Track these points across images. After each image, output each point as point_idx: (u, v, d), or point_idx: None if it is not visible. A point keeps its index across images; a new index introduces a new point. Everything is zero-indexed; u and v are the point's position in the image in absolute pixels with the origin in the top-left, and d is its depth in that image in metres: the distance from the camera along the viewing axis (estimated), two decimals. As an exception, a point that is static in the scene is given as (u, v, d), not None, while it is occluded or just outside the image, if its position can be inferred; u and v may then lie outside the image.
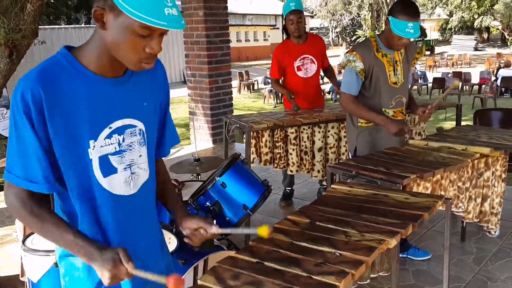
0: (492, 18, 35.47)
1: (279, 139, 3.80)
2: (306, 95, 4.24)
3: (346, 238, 1.66)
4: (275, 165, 3.88)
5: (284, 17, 4.16)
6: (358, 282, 2.51)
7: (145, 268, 1.24)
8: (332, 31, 41.93)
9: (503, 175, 3.14)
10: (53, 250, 2.20)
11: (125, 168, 1.30)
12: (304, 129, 3.86)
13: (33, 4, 5.38)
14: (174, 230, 2.41)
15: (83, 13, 25.13)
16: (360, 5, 36.52)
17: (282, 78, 4.32)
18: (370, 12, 36.62)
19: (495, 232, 3.25)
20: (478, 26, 36.23)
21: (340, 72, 15.78)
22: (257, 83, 18.71)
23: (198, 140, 6.89)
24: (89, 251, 1.21)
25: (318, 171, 3.99)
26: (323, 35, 47.18)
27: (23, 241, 2.40)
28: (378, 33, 3.07)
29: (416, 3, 2.93)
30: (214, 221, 1.44)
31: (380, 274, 2.42)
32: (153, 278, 1.20)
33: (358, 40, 33.19)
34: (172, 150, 1.76)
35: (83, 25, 22.79)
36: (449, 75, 15.91)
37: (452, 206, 2.84)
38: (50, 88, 1.17)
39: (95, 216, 1.29)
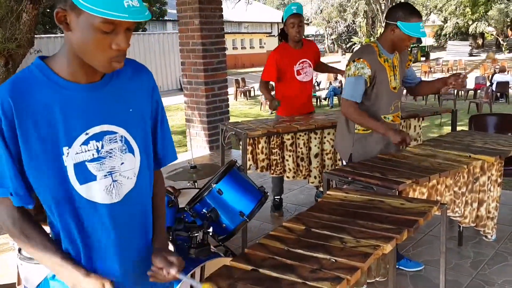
0: (487, 24, 35.71)
1: (275, 146, 3.81)
2: (301, 100, 4.26)
3: (342, 244, 1.67)
4: (272, 171, 3.88)
5: (284, 20, 4.14)
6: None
7: (135, 283, 1.25)
8: (327, 38, 42.13)
9: (499, 180, 3.16)
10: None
11: (105, 176, 1.25)
12: (300, 135, 3.87)
13: (28, 14, 5.40)
14: (170, 237, 2.40)
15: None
16: (355, 12, 36.74)
17: (274, 82, 4.32)
18: (365, 19, 36.84)
19: (491, 236, 3.26)
20: (472, 32, 36.46)
21: (335, 79, 15.87)
22: (254, 90, 18.74)
23: (195, 147, 6.89)
24: (74, 277, 1.21)
25: (315, 177, 4.00)
26: (318, 42, 47.37)
27: (19, 250, 2.39)
28: (377, 38, 3.08)
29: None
30: (175, 272, 1.30)
31: (377, 279, 2.42)
32: None
33: (353, 46, 33.35)
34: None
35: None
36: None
37: (448, 211, 2.85)
38: (21, 98, 1.16)
39: (74, 225, 1.26)
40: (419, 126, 4.31)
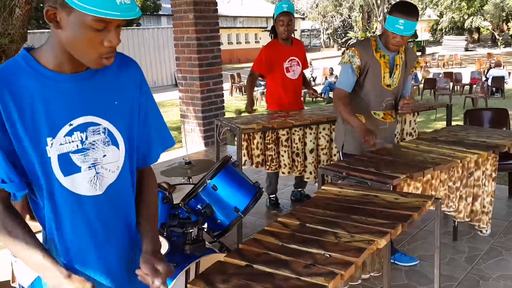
0: (482, 19, 35.77)
1: (270, 141, 3.80)
2: (290, 96, 4.31)
3: (336, 239, 1.67)
4: (267, 167, 3.88)
5: (274, 18, 4.18)
6: (350, 283, 2.52)
7: (114, 275, 1.26)
8: (323, 32, 42.08)
9: (494, 174, 3.17)
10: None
11: (89, 167, 1.24)
12: (295, 131, 3.86)
13: (21, 9, 5.36)
14: (164, 233, 2.40)
15: (74, 17, 25.08)
16: (351, 6, 36.70)
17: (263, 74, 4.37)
18: (361, 14, 36.81)
19: (486, 231, 3.27)
20: (468, 27, 36.53)
21: (331, 74, 15.87)
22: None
23: (190, 143, 6.87)
24: (55, 276, 1.18)
25: (310, 173, 4.00)
26: (314, 37, 47.37)
27: (13, 247, 2.38)
28: (379, 34, 3.09)
29: (415, 5, 2.95)
30: (159, 283, 1.25)
31: (372, 274, 2.42)
32: None
33: (349, 41, 33.34)
34: (163, 153, 1.77)
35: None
36: (440, 75, 16.01)
37: (443, 205, 2.86)
38: (5, 87, 1.15)
39: (58, 216, 1.25)
40: (414, 121, 4.31)
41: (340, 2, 37.07)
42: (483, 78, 15.29)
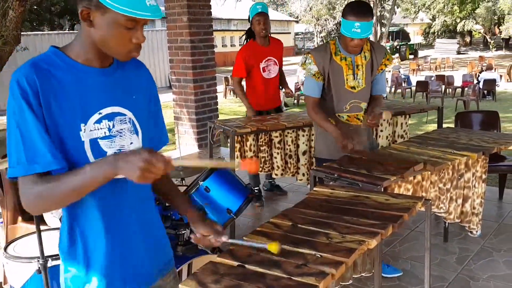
0: (474, 22, 36.02)
1: (263, 143, 3.82)
2: (267, 94, 4.49)
3: (327, 240, 1.68)
4: (260, 169, 3.89)
5: (250, 19, 4.38)
6: (341, 283, 2.54)
7: (137, 249, 1.42)
8: (317, 36, 42.20)
9: (484, 176, 3.20)
10: (35, 257, 2.18)
11: (115, 153, 1.34)
12: (288, 133, 3.89)
13: (15, 11, 5.35)
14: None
15: (67, 19, 24.92)
16: (345, 9, 36.87)
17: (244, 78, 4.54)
18: (355, 17, 36.87)
19: (476, 232, 3.30)
20: (460, 30, 36.76)
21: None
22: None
23: (184, 145, 6.88)
24: (113, 159, 1.21)
25: (303, 175, 4.02)
26: (308, 40, 47.47)
27: (5, 248, 2.38)
28: (338, 36, 3.04)
29: (367, 3, 2.89)
30: (226, 238, 1.53)
31: (363, 274, 2.45)
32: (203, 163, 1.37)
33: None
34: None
35: (66, 30, 22.61)
36: (432, 78, 16.11)
37: (433, 207, 2.88)
38: (43, 75, 1.25)
39: (92, 196, 1.32)
40: (406, 123, 4.35)
41: (333, 6, 37.20)
42: (475, 81, 15.41)
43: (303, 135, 3.92)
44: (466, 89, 14.23)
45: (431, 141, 3.29)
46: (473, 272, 3.20)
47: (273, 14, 47.07)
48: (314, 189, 2.32)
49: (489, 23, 35.86)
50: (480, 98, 13.47)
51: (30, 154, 1.23)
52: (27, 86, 1.23)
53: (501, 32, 33.84)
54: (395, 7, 32.67)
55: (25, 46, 13.61)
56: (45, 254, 2.15)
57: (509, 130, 8.90)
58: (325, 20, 39.09)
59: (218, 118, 6.97)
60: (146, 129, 1.45)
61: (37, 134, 1.23)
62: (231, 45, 37.16)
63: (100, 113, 1.33)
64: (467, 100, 12.69)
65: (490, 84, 14.32)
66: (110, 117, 1.35)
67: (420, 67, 24.52)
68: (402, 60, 28.98)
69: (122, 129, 1.37)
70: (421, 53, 35.63)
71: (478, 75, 15.82)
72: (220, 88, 12.38)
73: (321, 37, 41.02)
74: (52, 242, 2.43)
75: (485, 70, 15.75)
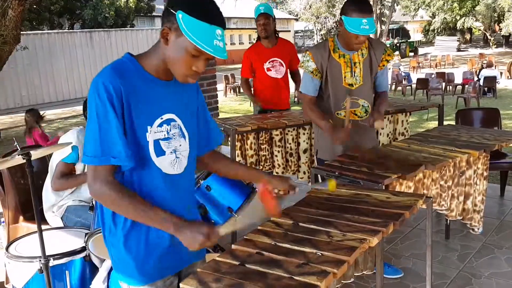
0: (474, 19, 35.93)
1: (264, 141, 3.81)
2: (274, 93, 4.48)
3: (329, 238, 1.68)
4: (261, 167, 3.89)
5: (255, 20, 4.44)
6: (342, 281, 2.54)
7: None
8: (316, 33, 42.14)
9: (485, 173, 3.19)
10: (37, 256, 2.18)
11: (171, 152, 1.59)
12: (289, 131, 3.88)
13: (14, 10, 5.34)
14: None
15: (66, 18, 24.88)
16: (344, 7, 36.79)
17: (252, 78, 4.61)
18: (354, 14, 36.79)
19: (478, 229, 3.30)
20: (460, 27, 36.67)
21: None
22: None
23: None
24: (179, 223, 1.50)
25: (304, 173, 4.01)
26: (308, 38, 47.39)
27: (7, 248, 2.38)
28: (336, 34, 3.03)
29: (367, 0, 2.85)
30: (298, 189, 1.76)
31: (365, 272, 2.44)
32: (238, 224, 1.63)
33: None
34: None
35: (66, 30, 22.58)
36: (433, 75, 16.09)
37: (435, 204, 2.88)
38: (125, 82, 1.47)
39: (146, 188, 1.56)
40: (406, 121, 4.34)
41: (333, 3, 37.11)
42: (475, 78, 15.39)
43: (304, 133, 3.91)
44: (466, 86, 14.21)
45: (432, 138, 3.29)
46: (475, 269, 3.20)
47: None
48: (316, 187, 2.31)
49: (489, 20, 35.77)
50: (481, 95, 13.46)
51: (107, 149, 1.45)
52: (112, 91, 1.44)
53: (501, 29, 33.72)
54: (395, 4, 32.63)
55: (24, 45, 13.61)
56: (47, 254, 2.15)
57: (510, 127, 8.89)
58: (325, 18, 39.00)
59: (219, 117, 6.96)
60: (192, 134, 1.68)
61: (116, 134, 1.46)
62: (231, 44, 37.14)
63: (161, 118, 1.56)
64: (468, 98, 12.67)
65: (491, 81, 14.30)
66: (168, 122, 1.58)
67: (420, 64, 24.49)
68: (402, 58, 28.93)
69: (174, 133, 1.61)
70: (421, 51, 35.59)
71: (479, 73, 15.79)
72: (220, 86, 12.37)
73: (321, 35, 40.96)
74: (53, 242, 2.43)
75: (486, 67, 15.73)
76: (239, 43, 37.90)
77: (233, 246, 1.65)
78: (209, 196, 2.67)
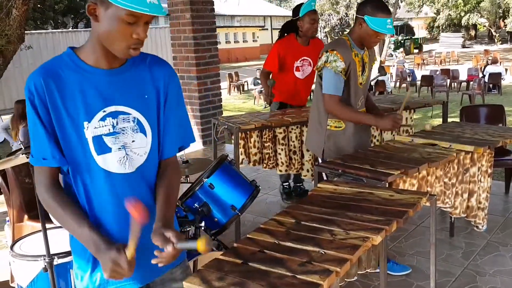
0: (479, 16, 35.75)
1: (267, 139, 3.81)
2: (297, 95, 4.33)
3: (331, 236, 1.68)
4: (264, 165, 3.89)
5: (301, 15, 4.06)
6: (346, 279, 2.54)
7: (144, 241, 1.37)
8: (320, 31, 42.04)
9: (489, 170, 3.18)
10: (42, 255, 2.19)
11: (119, 149, 1.45)
12: (292, 128, 3.88)
13: (18, 10, 5.36)
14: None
15: (71, 17, 24.95)
16: (348, 4, 36.63)
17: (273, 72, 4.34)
18: (358, 11, 36.67)
19: (482, 226, 3.28)
20: (465, 24, 36.49)
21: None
22: (247, 84, 18.72)
23: (188, 142, 6.87)
24: (98, 247, 1.36)
25: (307, 171, 4.01)
26: (311, 35, 47.22)
27: (12, 247, 2.39)
28: (348, 32, 3.02)
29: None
30: (171, 248, 1.36)
31: (368, 271, 2.44)
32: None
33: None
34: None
35: (70, 29, 22.63)
36: (437, 72, 16.02)
37: (439, 202, 2.87)
38: (50, 78, 1.37)
39: (89, 191, 1.45)
40: (411, 118, 4.33)
41: (337, 1, 37.02)
42: (480, 75, 15.30)
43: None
44: (471, 83, 14.15)
45: (436, 135, 3.28)
46: (480, 267, 3.19)
47: (276, 10, 47.00)
48: (318, 185, 2.31)
49: (494, 17, 35.56)
50: (486, 92, 13.39)
51: (38, 151, 1.41)
52: (33, 90, 1.36)
53: (506, 25, 33.56)
54: (399, 1, 32.48)
55: (29, 44, 13.65)
56: (51, 252, 2.16)
57: (515, 124, 8.83)
58: (329, 15, 38.89)
59: (222, 115, 6.97)
60: (156, 129, 1.51)
61: (42, 135, 1.39)
62: (234, 42, 37.11)
63: (104, 111, 1.42)
64: (473, 94, 12.61)
65: (496, 77, 14.22)
66: (114, 115, 1.43)
67: (425, 61, 24.40)
68: (406, 55, 28.82)
69: (124, 127, 1.45)
70: (425, 47, 35.44)
71: (484, 69, 15.70)
72: (224, 84, 12.37)
73: (325, 32, 40.87)
74: (58, 240, 2.44)
75: (490, 64, 15.63)
76: (243, 41, 37.87)
77: (235, 245, 1.65)
78: (212, 194, 2.67)
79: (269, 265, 1.48)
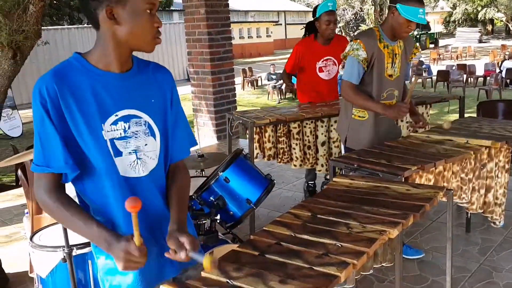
0: (496, 10, 35.21)
1: (282, 134, 3.82)
2: (319, 96, 4.23)
3: (348, 230, 1.68)
4: (279, 160, 3.90)
5: (318, 16, 4.00)
6: (361, 273, 2.53)
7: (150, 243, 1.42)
8: (335, 26, 41.70)
9: (507, 166, 3.14)
10: (61, 246, 2.23)
11: (130, 153, 1.45)
12: (307, 123, 3.87)
13: (35, 6, 5.40)
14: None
15: (86, 13, 25.12)
16: (363, -1, 36.35)
17: (296, 74, 4.29)
18: (373, 6, 36.45)
19: (499, 222, 3.25)
20: (482, 18, 36.01)
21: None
22: (261, 80, 18.70)
23: (203, 137, 6.92)
24: (108, 241, 1.35)
25: (322, 165, 4.01)
26: (326, 30, 46.92)
27: (31, 238, 2.43)
28: (380, 24, 3.05)
29: None
30: (184, 255, 1.38)
31: (384, 265, 2.43)
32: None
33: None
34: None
35: (86, 25, 22.82)
36: (454, 67, 15.84)
37: (455, 197, 2.85)
38: (63, 82, 1.35)
39: (104, 194, 1.44)
40: (427, 113, 4.29)
41: (351, -5, 36.74)
42: (497, 70, 15.09)
43: (322, 126, 3.90)
44: (488, 78, 13.96)
45: (453, 130, 3.25)
46: (496, 263, 3.16)
47: (290, 5, 46.80)
48: (334, 179, 2.31)
49: (511, 11, 34.98)
50: (503, 87, 13.21)
51: (47, 158, 1.37)
52: (46, 95, 1.33)
53: (524, 19, 33.01)
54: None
55: (45, 40, 13.81)
56: (70, 243, 2.20)
57: (533, 120, 8.70)
58: (343, 10, 38.64)
59: (237, 110, 6.98)
60: (164, 132, 1.53)
61: (53, 141, 1.35)
62: (248, 37, 37.06)
63: (116, 115, 1.42)
64: (490, 90, 12.45)
65: (513, 73, 14.01)
66: (126, 119, 1.43)
67: (441, 56, 24.12)
68: (422, 50, 28.53)
69: (137, 131, 1.46)
70: (441, 42, 35.03)
71: (501, 64, 15.48)
72: (238, 80, 12.39)
73: (339, 27, 40.59)
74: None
75: (508, 59, 15.42)
76: (257, 37, 37.80)
77: (252, 237, 1.66)
78: (228, 188, 2.69)
79: (286, 257, 1.49)
